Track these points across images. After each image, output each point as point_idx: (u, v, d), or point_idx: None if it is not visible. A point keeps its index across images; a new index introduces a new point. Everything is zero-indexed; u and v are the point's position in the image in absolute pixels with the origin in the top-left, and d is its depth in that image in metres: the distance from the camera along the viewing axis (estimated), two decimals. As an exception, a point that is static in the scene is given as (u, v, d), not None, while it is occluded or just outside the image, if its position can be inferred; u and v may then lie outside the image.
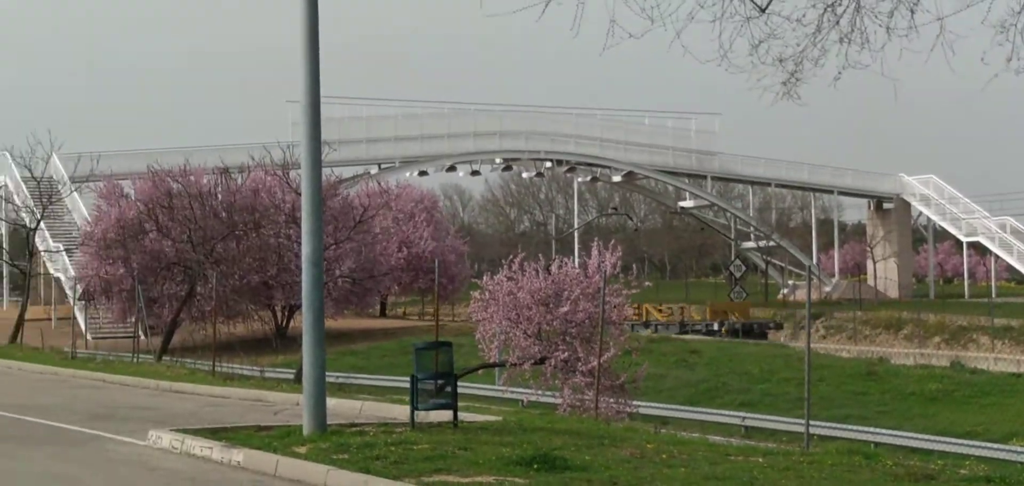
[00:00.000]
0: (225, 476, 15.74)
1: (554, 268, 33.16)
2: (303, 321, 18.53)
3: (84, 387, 30.23)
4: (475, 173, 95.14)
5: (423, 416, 18.80)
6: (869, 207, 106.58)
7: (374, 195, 66.09)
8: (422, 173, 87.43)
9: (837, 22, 14.10)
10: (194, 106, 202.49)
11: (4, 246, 70.56)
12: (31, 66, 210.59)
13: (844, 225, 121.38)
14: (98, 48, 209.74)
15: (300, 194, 19.87)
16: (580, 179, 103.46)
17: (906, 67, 14.35)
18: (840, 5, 14.05)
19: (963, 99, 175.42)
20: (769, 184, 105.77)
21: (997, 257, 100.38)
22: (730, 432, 35.73)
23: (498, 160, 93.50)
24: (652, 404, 39.32)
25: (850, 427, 37.44)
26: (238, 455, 16.56)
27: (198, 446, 17.43)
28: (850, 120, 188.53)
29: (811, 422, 26.18)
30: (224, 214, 52.17)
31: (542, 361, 32.12)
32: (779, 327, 76.76)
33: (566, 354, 31.52)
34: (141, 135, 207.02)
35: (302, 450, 16.46)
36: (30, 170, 55.32)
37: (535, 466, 14.59)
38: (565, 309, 31.76)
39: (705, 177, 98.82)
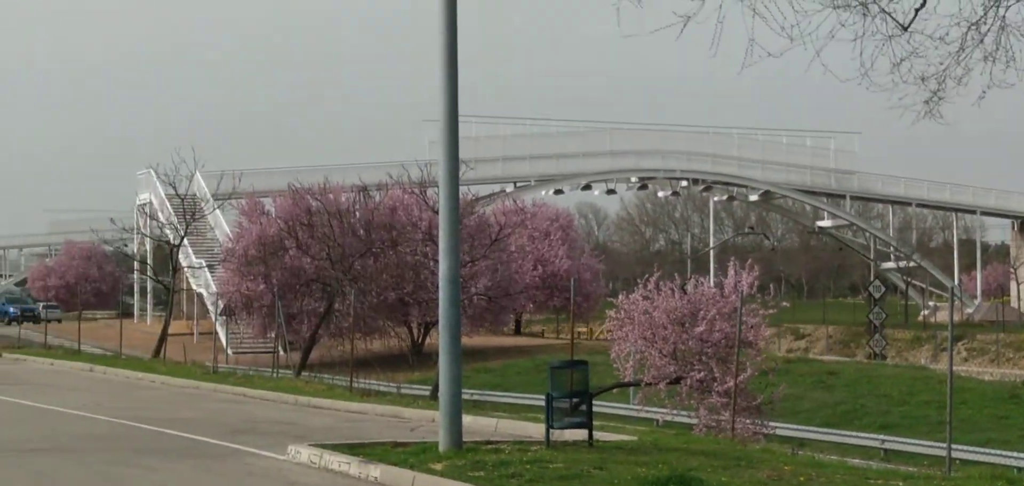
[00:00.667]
0: (362, 491, 15.90)
1: (690, 287, 32.94)
2: (439, 338, 18.64)
3: (225, 401, 30.71)
4: (610, 192, 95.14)
5: (558, 434, 18.79)
6: (1013, 227, 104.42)
7: (510, 213, 66.31)
8: (558, 191, 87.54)
9: (981, 40, 13.88)
10: (333, 125, 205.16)
11: (149, 262, 72.01)
12: (176, 86, 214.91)
13: (987, 246, 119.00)
14: (240, 66, 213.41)
15: (437, 212, 20.01)
16: (716, 198, 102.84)
17: (1053, 85, 14.06)
18: (984, 23, 13.83)
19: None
20: (909, 204, 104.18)
21: None
22: (869, 455, 35.19)
23: (634, 179, 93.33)
24: (789, 425, 38.85)
25: (993, 451, 36.64)
26: (375, 471, 16.70)
27: (336, 461, 17.61)
28: (994, 139, 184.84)
29: (953, 446, 25.68)
30: (362, 232, 52.67)
31: (678, 381, 31.92)
32: None
33: (702, 374, 31.28)
34: (282, 153, 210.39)
35: (438, 467, 16.55)
36: (174, 187, 56.35)
37: (670, 486, 14.52)
38: (701, 329, 31.51)
39: (844, 196, 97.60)
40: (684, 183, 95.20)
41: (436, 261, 48.00)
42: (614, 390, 36.66)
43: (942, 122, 14.82)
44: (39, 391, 32.61)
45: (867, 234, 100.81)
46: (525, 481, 15.13)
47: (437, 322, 18.99)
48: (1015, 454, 36.34)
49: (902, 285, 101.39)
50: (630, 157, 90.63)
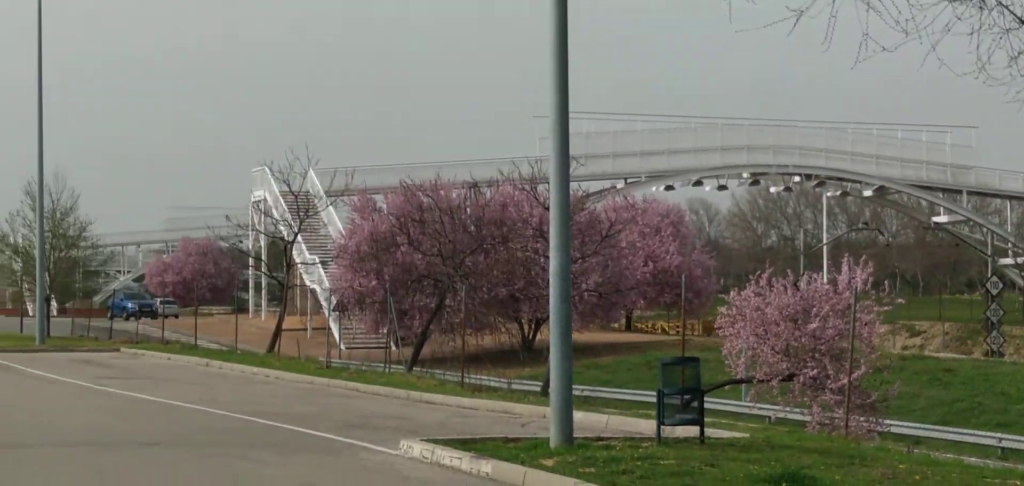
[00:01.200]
0: (474, 486, 16.00)
1: (803, 284, 32.65)
2: (550, 334, 18.69)
3: (338, 396, 31.04)
4: (722, 187, 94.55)
5: (669, 431, 18.78)
6: None
7: (620, 209, 66.15)
8: (668, 188, 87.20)
9: (1101, 32, 13.63)
10: (444, 121, 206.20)
11: (263, 258, 72.86)
12: (288, 82, 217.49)
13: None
14: (350, 63, 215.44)
15: (548, 209, 20.07)
16: (829, 194, 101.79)
17: None
18: (1104, 14, 13.58)
19: None
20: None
21: None
22: (986, 453, 34.63)
23: (745, 175, 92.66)
24: (904, 423, 38.38)
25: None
26: (486, 466, 16.80)
27: (448, 456, 17.73)
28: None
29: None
30: (473, 228, 52.84)
31: (790, 378, 31.66)
32: None
33: (815, 371, 30.99)
34: (393, 150, 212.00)
35: (549, 463, 16.61)
36: (288, 185, 56.92)
37: (784, 484, 14.42)
38: (814, 326, 31.23)
39: (960, 192, 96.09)
40: (797, 178, 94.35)
41: (546, 257, 47.96)
42: (726, 387, 36.46)
43: (1062, 116, 14.62)
44: (157, 385, 33.20)
45: (984, 230, 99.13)
46: (636, 477, 15.13)
47: (547, 318, 19.06)
48: None
49: (1020, 281, 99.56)
50: (742, 153, 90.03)
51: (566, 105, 18.53)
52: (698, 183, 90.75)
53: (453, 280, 49.62)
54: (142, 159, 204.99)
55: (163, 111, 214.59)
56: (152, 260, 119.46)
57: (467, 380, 35.77)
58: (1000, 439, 38.58)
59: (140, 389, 31.75)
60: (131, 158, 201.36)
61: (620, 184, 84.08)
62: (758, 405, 34.50)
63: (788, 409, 33.10)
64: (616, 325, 73.49)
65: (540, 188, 50.18)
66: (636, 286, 63.45)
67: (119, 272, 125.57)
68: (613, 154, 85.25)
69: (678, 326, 70.60)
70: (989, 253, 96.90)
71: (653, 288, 73.01)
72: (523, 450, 17.76)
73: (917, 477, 15.57)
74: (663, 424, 18.60)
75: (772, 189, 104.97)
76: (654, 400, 18.85)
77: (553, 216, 18.60)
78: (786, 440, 19.95)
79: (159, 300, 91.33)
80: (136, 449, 19.56)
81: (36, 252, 59.85)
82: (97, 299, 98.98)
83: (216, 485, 15.90)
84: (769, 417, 33.98)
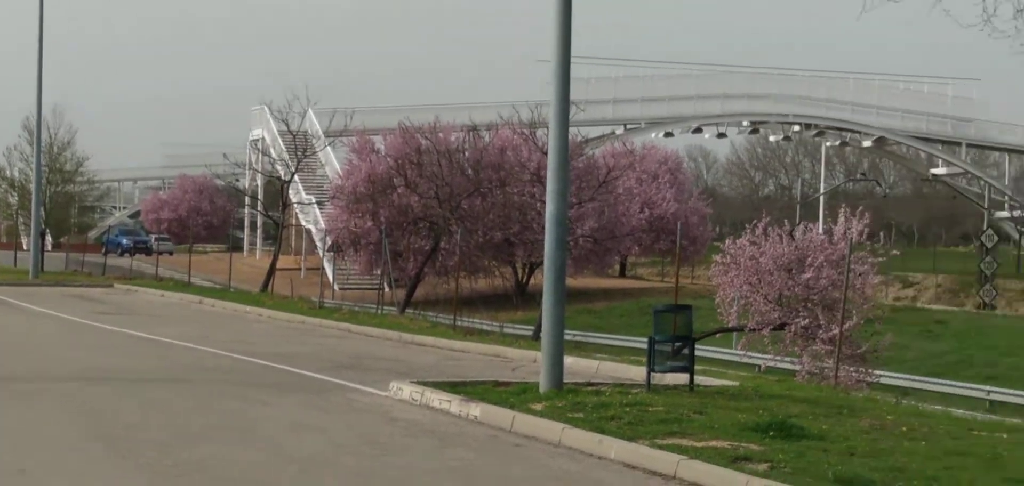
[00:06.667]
0: (462, 429, 16.04)
1: (798, 234, 32.64)
2: (544, 279, 18.72)
3: (330, 336, 31.09)
4: (721, 135, 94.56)
5: (659, 378, 18.82)
6: None
7: (619, 155, 66.05)
8: (667, 134, 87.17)
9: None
10: (445, 65, 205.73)
11: (259, 197, 72.80)
12: (290, 24, 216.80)
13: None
14: (352, 5, 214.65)
15: (546, 153, 20.05)
16: (828, 143, 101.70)
17: None
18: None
19: None
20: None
21: None
22: (974, 406, 34.77)
23: (745, 123, 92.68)
24: (893, 374, 38.46)
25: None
26: (475, 409, 16.86)
27: (437, 399, 17.80)
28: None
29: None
30: (471, 171, 52.78)
31: (782, 327, 31.70)
32: None
33: (807, 321, 31.02)
34: (394, 93, 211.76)
35: (538, 407, 16.67)
36: (287, 124, 56.86)
37: (771, 433, 14.49)
38: (808, 276, 31.25)
39: (959, 144, 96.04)
40: (796, 127, 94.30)
41: (543, 202, 47.87)
42: (717, 335, 36.51)
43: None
44: (150, 322, 33.26)
45: (982, 182, 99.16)
46: (625, 424, 15.18)
47: (542, 262, 19.12)
48: None
49: (1015, 235, 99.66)
50: (742, 101, 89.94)
51: (569, 51, 18.45)
52: (697, 130, 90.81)
53: (449, 223, 49.62)
54: (141, 99, 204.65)
55: (163, 51, 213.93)
56: (148, 196, 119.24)
57: (460, 323, 35.80)
58: (988, 392, 38.78)
59: (134, 326, 31.80)
60: (130, 98, 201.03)
61: (620, 130, 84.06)
62: (749, 354, 34.54)
63: (779, 358, 33.11)
64: (610, 271, 73.49)
65: (539, 133, 50.11)
66: (632, 233, 63.45)
67: (115, 208, 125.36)
68: (614, 100, 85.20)
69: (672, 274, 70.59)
70: (985, 206, 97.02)
71: (649, 235, 72.89)
72: (513, 394, 17.83)
73: (904, 428, 15.63)
74: (653, 371, 18.65)
75: (772, 138, 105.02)
76: (645, 347, 18.89)
77: (551, 161, 18.56)
78: (775, 389, 20.00)
79: (154, 237, 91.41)
80: (128, 385, 19.61)
81: (32, 186, 59.72)
82: (92, 235, 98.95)
83: (207, 423, 15.94)
84: (759, 366, 33.99)
